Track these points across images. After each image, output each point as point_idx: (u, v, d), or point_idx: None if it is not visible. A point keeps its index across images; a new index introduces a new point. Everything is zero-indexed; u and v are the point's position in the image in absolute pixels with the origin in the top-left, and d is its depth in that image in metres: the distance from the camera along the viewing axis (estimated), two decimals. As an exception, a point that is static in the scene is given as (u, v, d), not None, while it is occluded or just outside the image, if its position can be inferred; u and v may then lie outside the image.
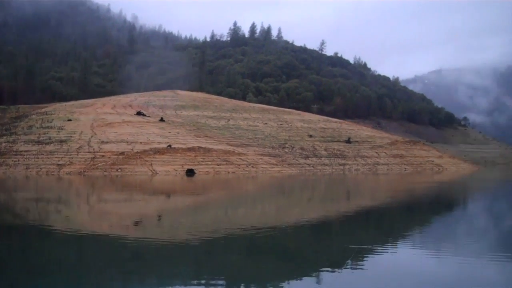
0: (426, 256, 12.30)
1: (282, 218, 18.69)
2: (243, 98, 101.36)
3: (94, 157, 45.12)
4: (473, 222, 19.21)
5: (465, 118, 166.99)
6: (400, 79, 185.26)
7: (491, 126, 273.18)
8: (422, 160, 70.00)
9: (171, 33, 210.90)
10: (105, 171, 42.78)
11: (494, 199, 30.43)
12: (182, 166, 45.36)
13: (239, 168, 49.16)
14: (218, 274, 10.15)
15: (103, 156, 45.50)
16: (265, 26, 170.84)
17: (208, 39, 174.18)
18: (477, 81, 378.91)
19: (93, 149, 46.64)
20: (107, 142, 48.26)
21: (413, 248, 13.38)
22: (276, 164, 54.01)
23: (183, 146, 49.79)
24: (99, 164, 43.88)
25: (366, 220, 19.15)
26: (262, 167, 51.49)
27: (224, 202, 25.24)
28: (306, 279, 9.92)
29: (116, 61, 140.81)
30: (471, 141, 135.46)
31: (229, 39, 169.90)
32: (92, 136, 49.47)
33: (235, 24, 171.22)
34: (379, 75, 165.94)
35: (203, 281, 9.71)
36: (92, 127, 52.59)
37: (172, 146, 48.90)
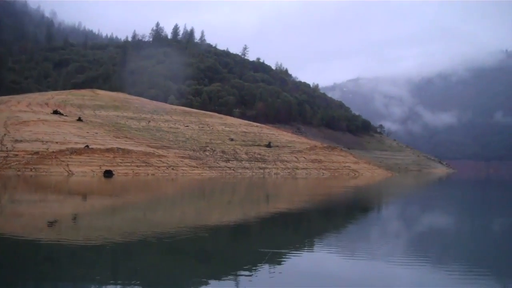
0: (341, 258, 12.60)
1: (201, 221, 18.60)
2: (165, 100, 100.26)
3: (7, 156, 43.11)
4: (386, 226, 19.94)
5: (380, 126, 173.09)
6: (320, 86, 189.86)
7: (405, 134, 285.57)
8: (339, 165, 71.98)
9: (91, 31, 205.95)
10: (18, 170, 40.97)
11: (405, 204, 31.75)
12: (100, 167, 44.23)
13: (159, 170, 48.58)
14: (135, 277, 9.93)
15: (16, 155, 43.55)
16: (188, 28, 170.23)
17: (129, 39, 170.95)
18: (393, 90, 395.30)
19: (6, 148, 44.55)
20: (21, 141, 46.25)
21: (329, 251, 13.65)
22: (197, 167, 53.83)
23: (102, 147, 48.58)
24: (12, 164, 42.00)
25: (284, 223, 19.39)
26: (183, 170, 51.17)
27: (143, 204, 24.82)
28: (223, 281, 9.93)
29: (32, 58, 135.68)
30: (386, 148, 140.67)
31: (151, 39, 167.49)
32: (5, 135, 47.25)
33: (157, 25, 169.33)
34: (300, 81, 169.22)
35: (119, 285, 9.52)
36: (5, 125, 50.25)
37: (90, 147, 47.58)
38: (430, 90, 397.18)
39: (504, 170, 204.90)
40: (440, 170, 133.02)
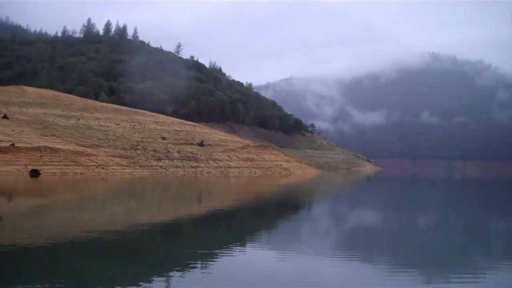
0: (272, 257, 12.80)
1: (132, 221, 18.41)
2: (95, 97, 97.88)
3: None
4: (316, 223, 20.47)
5: (312, 125, 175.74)
6: (253, 85, 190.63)
7: (335, 133, 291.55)
8: (271, 164, 72.81)
9: (20, 26, 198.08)
10: None
11: (333, 201, 32.63)
12: (26, 166, 42.78)
13: (88, 169, 47.56)
14: (64, 278, 9.73)
15: None
16: (121, 25, 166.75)
17: (59, 35, 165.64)
18: (324, 90, 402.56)
19: None
20: None
21: (261, 249, 13.86)
22: (128, 166, 53.08)
23: (28, 145, 46.99)
24: None
25: (216, 222, 19.49)
26: (113, 169, 50.31)
27: (71, 204, 24.27)
28: (154, 282, 9.90)
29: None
30: (317, 146, 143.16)
31: (82, 36, 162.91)
32: None
33: (89, 20, 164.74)
34: (233, 80, 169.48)
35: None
36: None
37: (16, 145, 45.94)
38: (360, 90, 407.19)
39: (429, 168, 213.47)
40: (369, 168, 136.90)
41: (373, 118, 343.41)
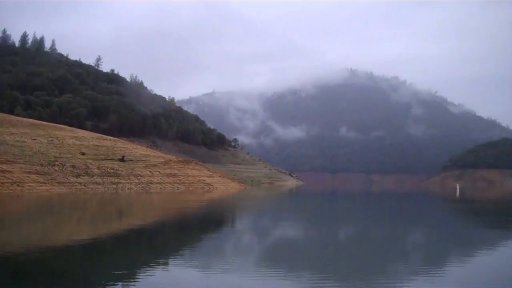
0: (195, 275, 12.81)
1: (49, 240, 17.85)
2: (11, 112, 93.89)
3: None
4: (239, 239, 20.65)
5: (235, 140, 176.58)
6: (176, 99, 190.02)
7: (258, 147, 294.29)
8: (194, 179, 72.51)
9: None
10: None
11: (255, 216, 33.00)
12: None
13: (3, 186, 45.50)
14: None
15: None
16: (38, 36, 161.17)
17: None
18: (247, 104, 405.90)
19: None
20: None
21: (183, 267, 13.82)
22: (45, 183, 51.25)
23: None
24: None
25: (138, 240, 19.20)
26: (29, 186, 48.41)
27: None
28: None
29: None
30: (240, 161, 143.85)
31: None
32: None
33: (4, 31, 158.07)
34: (155, 94, 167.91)
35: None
36: None
37: None
38: (282, 105, 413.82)
39: (348, 181, 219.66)
40: (291, 183, 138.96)
41: (295, 133, 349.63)
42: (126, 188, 58.38)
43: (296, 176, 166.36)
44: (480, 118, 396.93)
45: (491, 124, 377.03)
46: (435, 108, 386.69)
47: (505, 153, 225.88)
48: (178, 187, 65.62)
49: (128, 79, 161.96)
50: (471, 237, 22.17)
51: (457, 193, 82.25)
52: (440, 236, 21.90)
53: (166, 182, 66.28)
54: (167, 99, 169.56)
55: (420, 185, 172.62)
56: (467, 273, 13.14)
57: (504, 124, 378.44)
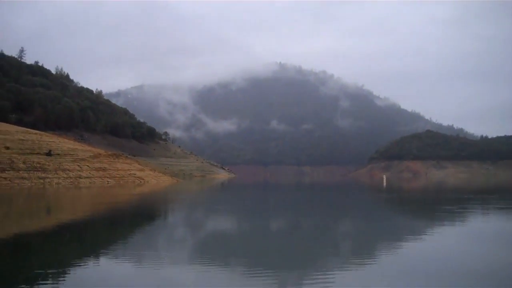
0: (128, 269, 12.51)
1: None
2: None
3: None
4: (173, 231, 20.37)
5: (165, 133, 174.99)
6: (104, 92, 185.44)
7: (189, 141, 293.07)
8: (124, 173, 71.13)
9: None
10: None
11: (189, 209, 32.72)
12: None
13: None
14: None
15: None
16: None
17: None
18: (177, 98, 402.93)
19: None
20: None
21: (116, 262, 13.40)
22: (-35, 179, 48.81)
23: None
24: None
25: (67, 235, 18.50)
26: None
27: None
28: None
29: None
30: (171, 154, 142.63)
31: None
32: None
33: None
34: (82, 87, 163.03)
35: None
36: None
37: None
38: (212, 98, 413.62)
39: (280, 174, 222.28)
40: (223, 176, 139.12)
41: (226, 126, 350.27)
42: (54, 183, 56.45)
43: (228, 169, 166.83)
44: (405, 111, 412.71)
45: (415, 116, 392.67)
46: (361, 101, 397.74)
47: (428, 145, 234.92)
48: (108, 181, 64.17)
49: (53, 71, 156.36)
50: (398, 226, 22.88)
51: (384, 184, 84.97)
52: (369, 226, 22.45)
53: (96, 177, 64.64)
54: (94, 92, 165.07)
55: (349, 176, 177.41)
56: (396, 262, 13.48)
57: (427, 116, 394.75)
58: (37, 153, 64.21)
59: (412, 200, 43.28)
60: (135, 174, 72.97)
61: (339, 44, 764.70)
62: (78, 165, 65.64)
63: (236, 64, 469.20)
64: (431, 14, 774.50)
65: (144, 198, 42.60)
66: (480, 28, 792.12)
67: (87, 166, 66.79)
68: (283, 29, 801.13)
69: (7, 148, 62.10)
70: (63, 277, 11.40)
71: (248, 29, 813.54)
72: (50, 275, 11.26)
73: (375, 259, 13.94)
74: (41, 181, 56.33)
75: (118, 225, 22.49)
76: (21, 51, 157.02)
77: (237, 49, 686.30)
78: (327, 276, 11.62)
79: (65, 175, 60.90)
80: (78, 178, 61.52)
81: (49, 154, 64.90)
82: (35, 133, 74.80)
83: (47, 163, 61.99)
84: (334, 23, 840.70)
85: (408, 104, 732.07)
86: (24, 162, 59.36)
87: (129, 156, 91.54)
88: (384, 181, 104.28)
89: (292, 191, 63.72)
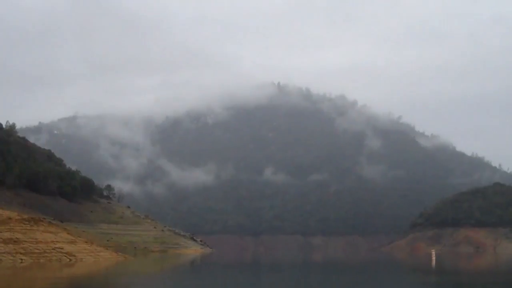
0: None
1: None
2: None
3: None
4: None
5: (109, 187, 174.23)
6: (18, 127, 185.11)
7: (144, 198, 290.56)
8: (46, 246, 70.32)
9: None
10: None
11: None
12: None
13: None
14: None
15: None
16: None
17: None
18: (126, 135, 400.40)
19: None
20: None
21: None
22: None
23: None
24: None
25: None
26: None
27: None
28: None
29: None
30: (116, 219, 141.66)
31: None
32: None
33: None
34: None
35: None
36: None
37: None
38: (178, 136, 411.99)
39: (277, 247, 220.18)
40: (193, 250, 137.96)
41: (198, 177, 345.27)
42: None
43: (201, 241, 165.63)
44: (462, 155, 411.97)
45: (478, 163, 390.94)
46: (398, 140, 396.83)
47: (497, 205, 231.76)
48: (22, 259, 63.41)
49: None
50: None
51: (433, 263, 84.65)
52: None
53: (4, 252, 63.85)
54: (4, 126, 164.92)
55: (381, 252, 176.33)
56: None
57: (495, 163, 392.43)
58: None
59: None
60: (62, 249, 72.20)
61: (365, 58, 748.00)
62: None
63: (214, 86, 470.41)
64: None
65: None
66: None
67: (-9, 236, 66.16)
68: (284, 35, 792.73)
69: None
70: None
71: (233, 35, 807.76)
72: None
73: None
74: None
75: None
76: None
77: (217, 65, 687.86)
78: None
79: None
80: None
81: None
82: None
83: None
84: (358, 27, 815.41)
85: (466, 145, 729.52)
86: None
87: (54, 222, 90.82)
88: (433, 258, 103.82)
89: (297, 276, 62.88)
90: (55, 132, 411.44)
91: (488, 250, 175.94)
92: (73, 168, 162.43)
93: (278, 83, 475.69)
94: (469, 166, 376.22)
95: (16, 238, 68.50)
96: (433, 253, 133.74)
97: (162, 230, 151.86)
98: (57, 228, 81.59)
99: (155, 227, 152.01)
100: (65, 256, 70.40)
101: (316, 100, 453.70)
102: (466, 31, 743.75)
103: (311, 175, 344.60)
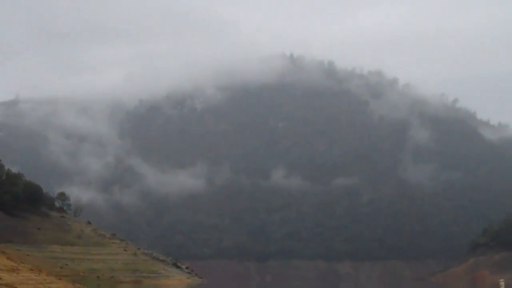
0: None
1: None
2: None
3: None
4: None
5: (62, 195, 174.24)
6: None
7: (110, 211, 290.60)
8: (-24, 277, 70.48)
9: None
10: None
11: None
12: None
13: None
14: None
15: None
16: None
17: None
18: (84, 124, 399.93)
19: None
20: None
21: None
22: None
23: None
24: None
25: None
26: None
27: None
28: None
29: None
30: (73, 239, 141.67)
31: None
32: None
33: None
34: None
35: None
36: None
37: None
38: (155, 127, 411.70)
39: (290, 276, 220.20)
40: (177, 281, 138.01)
41: (184, 181, 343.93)
42: None
43: (187, 269, 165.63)
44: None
45: None
46: (454, 131, 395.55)
47: None
48: None
49: None
50: None
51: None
52: None
53: None
54: None
55: (430, 282, 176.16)
56: None
57: None
58: None
59: None
60: (0, 280, 72.28)
61: (408, 23, 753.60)
62: None
63: (204, 59, 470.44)
64: None
65: None
66: None
67: None
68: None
69: None
70: None
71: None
72: None
73: None
74: None
75: None
76: None
77: (207, 30, 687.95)
78: None
79: None
80: None
81: None
82: None
83: None
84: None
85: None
86: None
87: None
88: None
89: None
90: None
91: None
92: (14, 170, 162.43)
93: (291, 55, 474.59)
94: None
95: None
96: (502, 284, 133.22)
97: (135, 254, 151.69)
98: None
99: (125, 250, 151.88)
100: (3, 289, 70.45)
101: (342, 78, 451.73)
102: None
103: (336, 179, 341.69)
